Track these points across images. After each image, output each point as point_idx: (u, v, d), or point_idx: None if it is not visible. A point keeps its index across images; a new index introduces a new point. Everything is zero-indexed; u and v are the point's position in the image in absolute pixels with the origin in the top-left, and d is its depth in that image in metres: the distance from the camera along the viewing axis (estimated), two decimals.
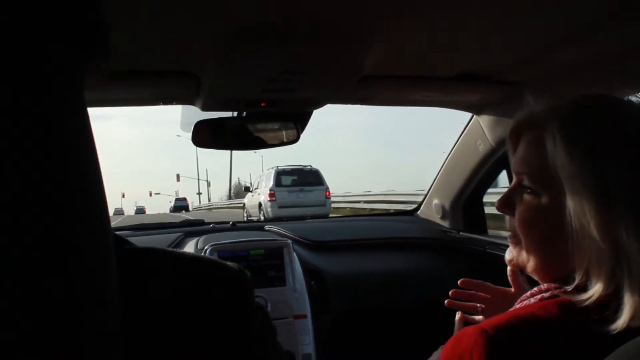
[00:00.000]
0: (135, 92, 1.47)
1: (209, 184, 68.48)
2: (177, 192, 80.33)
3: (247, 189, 20.37)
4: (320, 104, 1.61)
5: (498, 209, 0.88)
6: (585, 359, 0.67)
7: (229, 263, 0.68)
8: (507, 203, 0.87)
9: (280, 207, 15.97)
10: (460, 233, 2.25)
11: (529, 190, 0.81)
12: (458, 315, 1.18)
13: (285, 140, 1.77)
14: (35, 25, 0.42)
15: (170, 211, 55.21)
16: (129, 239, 1.84)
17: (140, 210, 70.07)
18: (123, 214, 64.82)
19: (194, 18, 1.04)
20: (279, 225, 2.29)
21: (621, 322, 0.68)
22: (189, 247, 1.96)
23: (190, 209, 61.15)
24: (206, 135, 1.70)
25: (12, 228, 0.37)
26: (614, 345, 0.61)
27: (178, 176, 64.91)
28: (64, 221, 0.41)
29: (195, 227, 2.32)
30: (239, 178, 70.27)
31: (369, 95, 1.63)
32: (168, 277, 0.62)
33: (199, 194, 66.60)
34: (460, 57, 1.41)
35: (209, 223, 2.40)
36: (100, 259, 0.45)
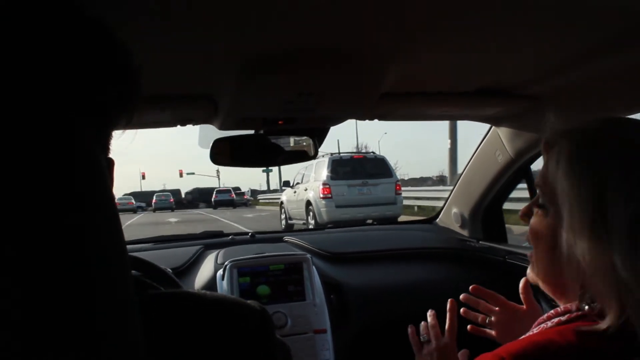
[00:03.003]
0: (154, 115, 1.47)
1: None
2: (217, 173, 59.51)
3: (286, 184, 15.95)
4: (337, 121, 1.61)
5: (520, 218, 0.90)
6: None
7: (250, 302, 0.69)
8: (526, 214, 0.88)
9: (338, 206, 12.11)
10: (480, 242, 2.23)
11: (540, 204, 0.83)
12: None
13: (303, 155, 1.77)
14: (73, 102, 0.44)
15: (214, 207, 38.98)
16: (147, 252, 1.83)
17: (163, 203, 42.45)
18: (134, 210, 42.15)
19: (213, 45, 1.04)
20: (297, 236, 2.30)
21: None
22: (209, 262, 1.97)
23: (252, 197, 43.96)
24: (224, 153, 1.70)
25: (25, 273, 0.38)
26: None
27: None
28: (85, 269, 0.42)
29: (214, 239, 2.34)
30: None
31: (387, 112, 1.63)
32: (192, 321, 0.63)
33: (268, 172, 44.90)
34: (479, 73, 1.40)
35: (228, 234, 2.41)
36: (121, 306, 0.46)
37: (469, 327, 1.23)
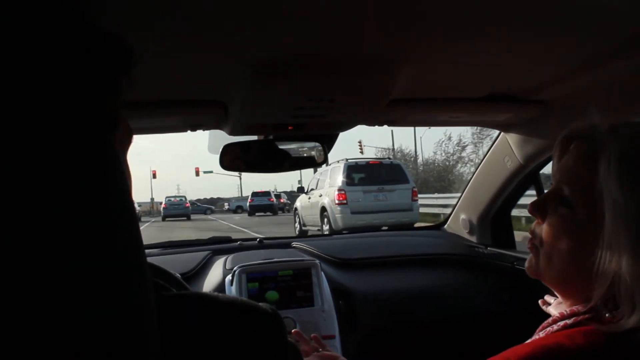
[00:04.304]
0: (166, 120, 1.49)
1: None
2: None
3: (300, 190, 15.89)
4: (347, 126, 1.62)
5: (529, 211, 0.87)
6: None
7: (262, 305, 0.69)
8: (539, 207, 0.85)
9: (353, 212, 11.98)
10: (488, 248, 2.23)
11: (566, 201, 0.80)
12: None
13: (312, 161, 1.78)
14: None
15: (249, 214, 32.68)
16: (155, 258, 1.85)
17: (175, 209, 33.35)
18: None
19: (223, 51, 1.05)
20: (305, 242, 2.30)
21: None
22: (217, 267, 1.97)
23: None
24: (234, 158, 1.71)
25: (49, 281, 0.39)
26: None
27: None
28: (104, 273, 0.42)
29: (222, 245, 2.34)
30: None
31: (397, 118, 1.63)
32: (205, 322, 0.64)
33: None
34: (487, 79, 1.41)
35: (236, 240, 2.41)
36: (140, 308, 0.46)
37: (540, 300, 1.23)
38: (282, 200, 36.88)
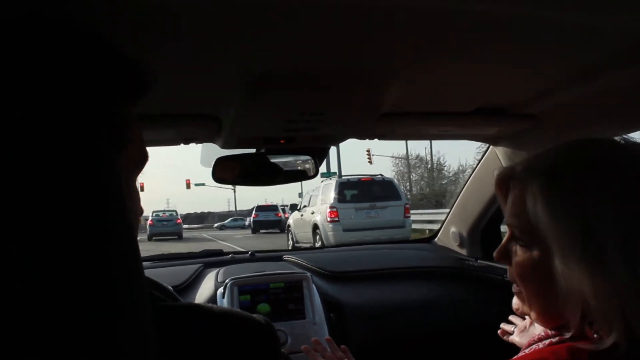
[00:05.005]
0: (158, 133, 1.49)
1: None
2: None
3: (293, 207, 16.12)
4: (338, 140, 1.63)
5: (496, 259, 0.89)
6: None
7: (256, 316, 0.71)
8: (504, 254, 0.88)
9: (345, 230, 11.96)
10: (478, 261, 2.25)
11: (521, 243, 0.82)
12: None
13: (303, 174, 1.80)
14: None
15: (253, 231, 29.08)
16: (147, 271, 1.85)
17: (164, 227, 27.48)
18: None
19: (217, 66, 1.06)
20: (297, 255, 2.31)
21: None
22: (209, 280, 1.98)
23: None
24: (226, 172, 1.72)
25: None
26: None
27: None
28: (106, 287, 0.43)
29: (214, 258, 2.34)
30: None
31: (388, 131, 1.65)
32: (200, 333, 0.65)
33: (330, 175, 20.69)
34: (477, 93, 1.43)
35: (228, 253, 2.42)
36: (139, 315, 0.48)
37: (499, 331, 1.25)
38: (287, 215, 31.08)
